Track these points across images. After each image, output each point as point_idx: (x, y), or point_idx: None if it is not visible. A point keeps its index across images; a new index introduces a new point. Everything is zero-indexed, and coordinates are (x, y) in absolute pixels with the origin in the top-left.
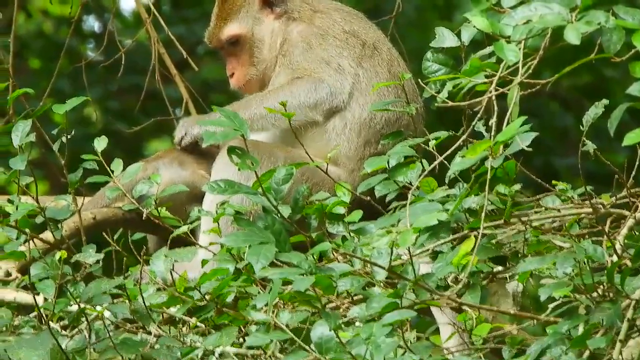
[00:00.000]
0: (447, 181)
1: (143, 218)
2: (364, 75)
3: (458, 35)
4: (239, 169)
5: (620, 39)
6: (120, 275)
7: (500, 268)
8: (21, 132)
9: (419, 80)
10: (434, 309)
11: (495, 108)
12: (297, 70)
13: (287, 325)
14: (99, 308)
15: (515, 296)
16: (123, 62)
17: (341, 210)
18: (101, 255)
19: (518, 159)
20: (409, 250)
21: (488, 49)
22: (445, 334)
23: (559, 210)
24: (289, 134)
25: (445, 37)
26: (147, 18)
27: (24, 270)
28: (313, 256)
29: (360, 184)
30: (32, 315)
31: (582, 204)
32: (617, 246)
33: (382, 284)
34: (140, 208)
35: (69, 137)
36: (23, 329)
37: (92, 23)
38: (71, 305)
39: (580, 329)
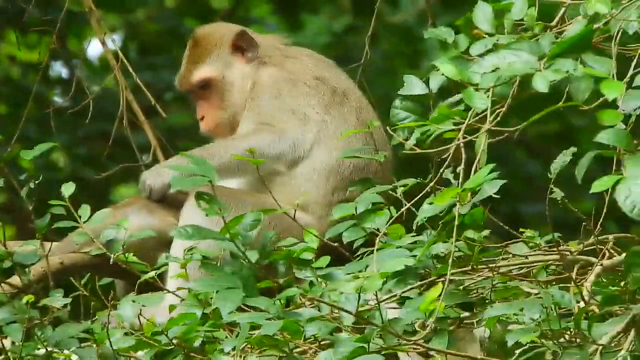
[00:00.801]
0: (415, 228)
1: (110, 263)
2: (332, 122)
3: (426, 82)
4: (206, 215)
5: (588, 87)
6: (87, 320)
7: (467, 314)
8: None
9: (387, 127)
10: (401, 355)
11: (463, 155)
12: (263, 116)
13: None
14: (66, 352)
15: (483, 342)
16: (91, 108)
17: (309, 255)
18: (69, 300)
19: (486, 206)
20: (376, 296)
21: (456, 97)
22: None
23: (526, 257)
24: (255, 181)
25: (413, 85)
26: (115, 64)
27: None
28: (280, 301)
29: (328, 230)
30: None
31: (550, 250)
32: (585, 292)
33: (349, 329)
34: (108, 253)
35: (36, 182)
36: None
37: (60, 69)
38: (39, 349)
39: None
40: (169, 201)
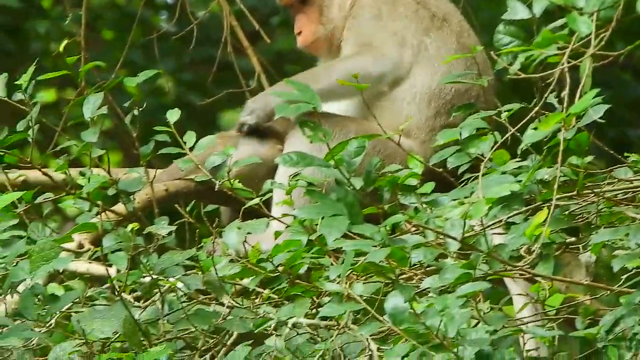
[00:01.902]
0: (519, 153)
1: (216, 190)
2: (431, 46)
3: (530, 7)
4: (310, 141)
5: None
6: (193, 247)
7: (573, 239)
8: (93, 105)
9: (491, 52)
10: (507, 280)
11: (568, 80)
12: (363, 36)
13: (360, 297)
14: (171, 280)
15: (588, 267)
16: (195, 34)
17: (414, 182)
18: (174, 227)
19: (591, 130)
20: (481, 222)
21: (560, 21)
22: (518, 305)
23: (631, 182)
24: (358, 107)
25: (517, 9)
26: None
27: (96, 242)
28: (386, 228)
29: (432, 156)
30: (105, 287)
31: None
32: None
33: (454, 255)
34: (213, 180)
35: (141, 109)
36: (96, 301)
37: None
38: (144, 277)
39: None
40: (281, 129)
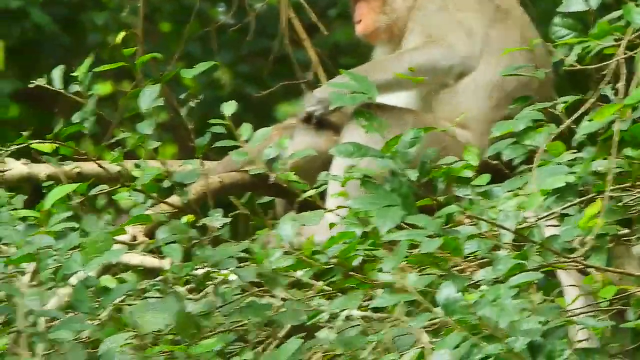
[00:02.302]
0: (574, 144)
1: (270, 182)
2: (495, 38)
3: None
4: (366, 132)
5: None
6: (247, 239)
7: (626, 231)
8: (149, 97)
9: (548, 44)
10: (559, 272)
11: (624, 71)
12: (430, 28)
13: (413, 288)
14: (225, 272)
15: None
16: (253, 26)
17: (469, 173)
18: (228, 219)
19: None
20: (535, 213)
21: (616, 13)
22: (571, 297)
23: None
24: (418, 97)
25: (573, 2)
26: None
27: (150, 234)
28: (440, 219)
29: (489, 148)
30: (158, 279)
31: None
32: None
33: (508, 246)
34: (268, 172)
35: (197, 101)
36: (149, 293)
37: None
38: (197, 270)
39: None
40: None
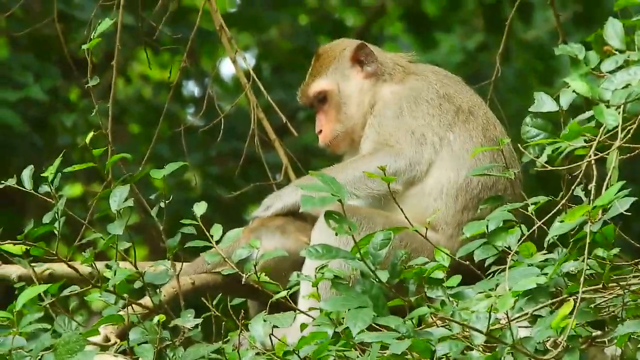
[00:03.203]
0: (546, 246)
1: (242, 283)
2: (456, 140)
3: (557, 99)
4: (336, 234)
5: None
6: (219, 340)
7: (598, 332)
8: (119, 197)
9: (519, 145)
10: None
11: (595, 172)
12: (382, 135)
13: None
14: None
15: None
16: (222, 127)
17: (440, 274)
18: (200, 320)
19: (617, 223)
20: (507, 315)
21: (587, 114)
22: None
23: None
24: (382, 201)
25: (544, 102)
26: (247, 83)
27: (122, 335)
28: (412, 320)
29: (460, 249)
30: None
31: None
32: None
33: (480, 348)
34: (240, 273)
35: (167, 202)
36: None
37: (192, 88)
38: None
39: None
40: (304, 221)
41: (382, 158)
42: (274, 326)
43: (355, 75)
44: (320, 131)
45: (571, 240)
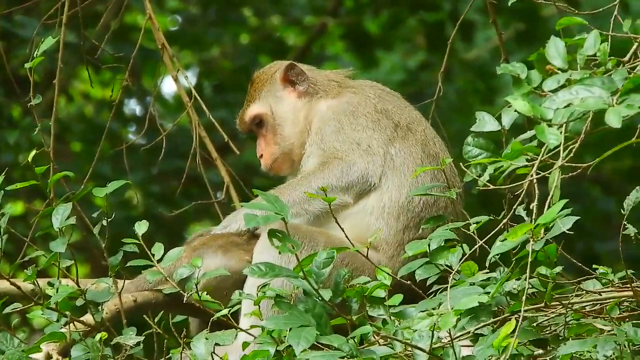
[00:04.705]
0: (487, 265)
1: (184, 301)
2: (396, 156)
3: (499, 119)
4: (279, 252)
5: None
6: (161, 358)
7: (541, 351)
8: (61, 215)
9: (461, 164)
10: None
11: (537, 192)
12: (327, 150)
13: None
14: None
15: None
16: (164, 146)
17: (382, 293)
18: (142, 338)
19: (559, 242)
20: (449, 333)
21: (529, 133)
22: None
23: (599, 294)
24: (325, 218)
25: (485, 122)
26: (189, 102)
27: (64, 353)
28: (354, 339)
29: (401, 267)
30: None
31: (623, 287)
32: None
33: None
34: (181, 292)
35: (109, 220)
36: None
37: (134, 106)
38: None
39: None
40: (248, 240)
41: (334, 171)
42: (216, 344)
43: (287, 96)
44: (261, 155)
45: (513, 259)
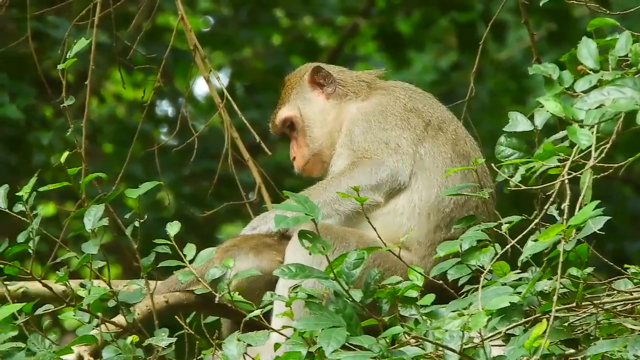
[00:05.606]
0: (519, 265)
1: (216, 302)
2: (426, 155)
3: (531, 119)
4: (310, 253)
5: None
6: (192, 359)
7: (572, 351)
8: (93, 217)
9: (492, 164)
10: None
11: (568, 192)
12: (357, 151)
13: None
14: None
15: None
16: (196, 147)
17: (414, 293)
18: (174, 339)
19: (590, 242)
20: (480, 333)
21: (561, 133)
22: None
23: (631, 294)
24: (356, 219)
25: (518, 122)
26: (220, 103)
27: (96, 354)
28: (385, 339)
29: (433, 268)
30: None
31: None
32: None
33: None
34: (213, 292)
35: (141, 221)
36: None
37: (165, 107)
38: None
39: None
40: (280, 241)
41: (363, 170)
42: (248, 345)
43: (315, 98)
44: (294, 158)
45: (545, 259)
